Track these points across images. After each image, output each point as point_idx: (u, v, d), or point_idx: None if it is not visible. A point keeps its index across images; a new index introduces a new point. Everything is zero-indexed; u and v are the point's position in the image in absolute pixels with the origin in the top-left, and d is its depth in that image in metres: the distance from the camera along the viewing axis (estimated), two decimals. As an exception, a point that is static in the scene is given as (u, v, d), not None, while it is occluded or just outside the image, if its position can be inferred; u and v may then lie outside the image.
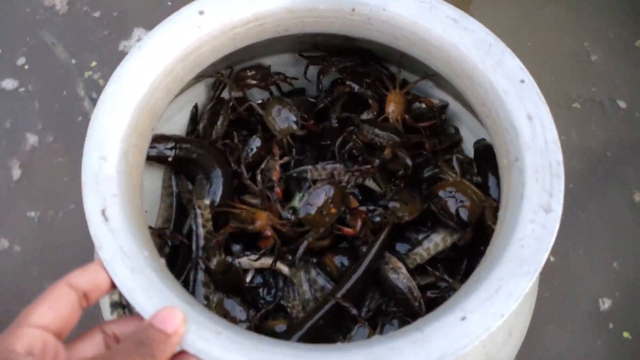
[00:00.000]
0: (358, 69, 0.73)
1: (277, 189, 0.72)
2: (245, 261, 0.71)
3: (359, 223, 0.67)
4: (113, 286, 0.45)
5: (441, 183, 0.68)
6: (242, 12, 0.60)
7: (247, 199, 0.71)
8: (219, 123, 0.75)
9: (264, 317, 0.70)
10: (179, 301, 0.45)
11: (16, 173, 1.08)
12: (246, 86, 0.75)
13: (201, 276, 0.66)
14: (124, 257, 0.46)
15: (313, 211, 0.66)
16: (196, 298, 0.65)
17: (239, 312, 0.67)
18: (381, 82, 0.73)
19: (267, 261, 0.71)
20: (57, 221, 1.05)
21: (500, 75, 0.56)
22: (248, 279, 0.72)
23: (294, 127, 0.72)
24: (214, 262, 0.67)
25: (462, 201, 0.64)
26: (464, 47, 0.58)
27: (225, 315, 0.66)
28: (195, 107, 0.78)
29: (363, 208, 0.69)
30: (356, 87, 0.71)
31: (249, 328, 0.66)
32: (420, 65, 0.64)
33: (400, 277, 0.68)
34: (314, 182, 0.72)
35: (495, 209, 0.61)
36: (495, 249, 0.49)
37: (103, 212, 0.47)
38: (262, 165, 0.73)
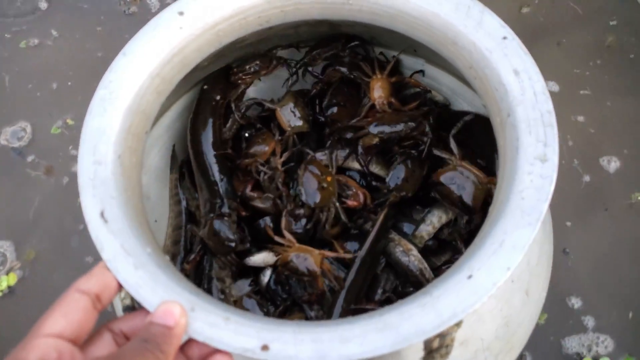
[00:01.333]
0: (340, 55, 0.73)
1: (284, 190, 0.72)
2: (259, 259, 0.71)
3: (360, 195, 0.67)
4: (119, 287, 0.45)
5: (441, 169, 0.66)
6: (222, 9, 0.61)
7: (256, 204, 0.71)
8: (226, 127, 0.75)
9: (282, 313, 0.70)
10: (184, 292, 0.45)
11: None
12: (245, 83, 0.75)
13: (215, 270, 0.66)
14: (126, 255, 0.46)
15: (318, 195, 0.66)
16: (212, 295, 0.65)
17: (258, 311, 0.67)
18: (359, 68, 0.72)
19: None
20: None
21: (483, 34, 0.55)
22: (265, 279, 0.71)
23: (305, 126, 0.72)
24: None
25: (464, 187, 0.64)
26: (444, 14, 0.57)
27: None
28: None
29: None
30: (345, 70, 0.72)
31: None
32: (405, 41, 0.64)
33: (411, 259, 0.67)
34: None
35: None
36: (498, 204, 0.48)
37: (102, 214, 0.48)
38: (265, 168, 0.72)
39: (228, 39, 0.63)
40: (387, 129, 0.68)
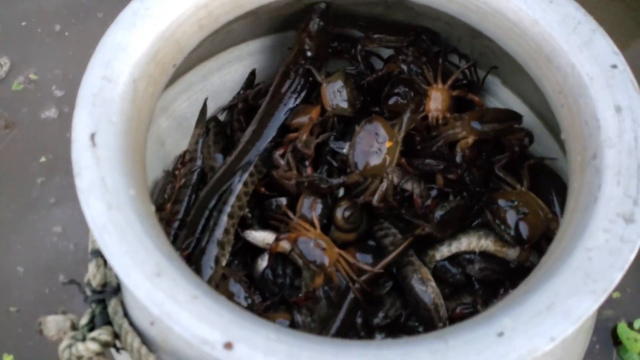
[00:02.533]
0: (404, 51, 0.64)
1: (309, 167, 0.64)
2: (260, 236, 0.63)
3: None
4: None
5: (503, 191, 0.58)
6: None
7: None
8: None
9: (267, 308, 0.62)
10: (155, 251, 0.37)
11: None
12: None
13: (219, 234, 0.59)
14: (104, 190, 0.39)
15: (371, 157, 0.57)
16: (204, 257, 0.57)
17: (244, 299, 0.59)
18: (421, 71, 0.63)
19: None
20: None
21: (587, 57, 0.46)
22: (263, 264, 0.64)
23: (348, 109, 0.64)
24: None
25: (524, 213, 0.54)
26: (547, 24, 0.49)
27: (228, 297, 0.58)
28: (253, 72, 0.72)
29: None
30: (405, 68, 0.62)
31: None
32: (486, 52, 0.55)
33: (428, 290, 0.58)
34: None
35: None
36: (553, 259, 0.39)
37: (92, 137, 0.41)
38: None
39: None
40: (488, 127, 0.59)
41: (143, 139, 0.46)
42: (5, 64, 1.03)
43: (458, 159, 0.59)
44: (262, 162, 0.62)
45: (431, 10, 0.57)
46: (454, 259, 0.62)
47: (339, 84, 0.63)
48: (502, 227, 0.55)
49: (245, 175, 0.61)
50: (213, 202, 0.60)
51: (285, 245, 0.63)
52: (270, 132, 0.63)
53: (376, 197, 0.59)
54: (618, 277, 0.36)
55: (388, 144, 0.59)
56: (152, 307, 0.35)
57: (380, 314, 0.60)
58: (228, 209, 0.59)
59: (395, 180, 0.60)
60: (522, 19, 0.50)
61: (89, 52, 0.45)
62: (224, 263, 0.58)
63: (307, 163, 0.63)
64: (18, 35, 1.08)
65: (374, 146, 0.58)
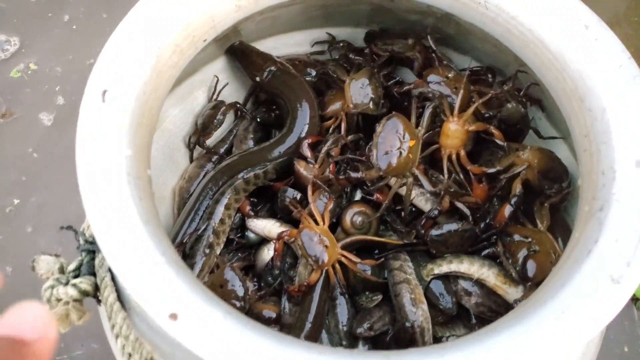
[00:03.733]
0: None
1: (332, 166, 0.63)
2: (261, 224, 0.64)
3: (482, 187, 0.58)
4: None
5: (520, 226, 0.56)
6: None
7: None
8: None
9: (260, 297, 0.62)
10: (135, 213, 0.38)
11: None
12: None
13: (214, 222, 0.60)
14: (102, 144, 0.40)
15: (394, 157, 0.55)
16: (199, 243, 0.59)
17: (238, 287, 0.59)
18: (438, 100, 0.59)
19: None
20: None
21: (620, 104, 0.43)
22: (269, 255, 0.64)
23: (372, 107, 0.63)
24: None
25: (535, 251, 0.52)
26: (586, 63, 0.46)
27: (222, 284, 0.59)
28: None
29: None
30: (415, 93, 0.60)
31: (241, 309, 0.58)
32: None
33: (418, 312, 0.56)
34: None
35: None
36: (526, 305, 0.37)
37: (103, 93, 0.42)
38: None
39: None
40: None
41: (157, 104, 0.47)
42: (15, 44, 1.05)
43: (516, 198, 0.56)
44: (275, 169, 0.63)
45: (478, 30, 0.55)
46: (452, 287, 0.60)
47: (364, 80, 0.62)
48: (510, 260, 0.53)
49: (250, 174, 0.61)
50: (212, 192, 0.61)
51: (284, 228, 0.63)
52: (291, 141, 0.63)
53: (405, 199, 0.58)
54: (584, 339, 0.34)
55: (411, 143, 0.56)
56: (111, 260, 0.36)
57: (366, 325, 0.59)
58: (225, 200, 0.60)
59: (422, 177, 0.58)
60: (563, 54, 0.47)
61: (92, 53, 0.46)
62: (218, 251, 0.59)
63: (331, 160, 0.62)
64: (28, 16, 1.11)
65: (397, 146, 0.56)
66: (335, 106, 0.64)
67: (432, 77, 0.58)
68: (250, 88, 0.71)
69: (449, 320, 0.61)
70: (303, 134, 0.63)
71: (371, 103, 0.62)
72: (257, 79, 0.66)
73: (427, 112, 0.57)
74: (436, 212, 0.58)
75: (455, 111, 0.57)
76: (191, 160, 0.70)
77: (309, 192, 0.60)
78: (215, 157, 0.69)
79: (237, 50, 0.66)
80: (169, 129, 0.68)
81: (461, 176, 0.57)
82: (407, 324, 0.56)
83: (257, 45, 0.70)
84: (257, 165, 0.63)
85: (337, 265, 0.58)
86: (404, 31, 0.64)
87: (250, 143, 0.69)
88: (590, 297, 0.35)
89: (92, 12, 1.12)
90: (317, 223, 0.58)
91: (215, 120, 0.66)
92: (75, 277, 0.47)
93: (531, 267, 0.52)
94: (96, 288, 0.47)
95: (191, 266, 0.56)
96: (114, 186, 0.39)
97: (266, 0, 0.54)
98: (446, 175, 0.57)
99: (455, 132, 0.57)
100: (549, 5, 0.48)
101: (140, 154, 0.43)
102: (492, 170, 0.55)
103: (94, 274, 0.47)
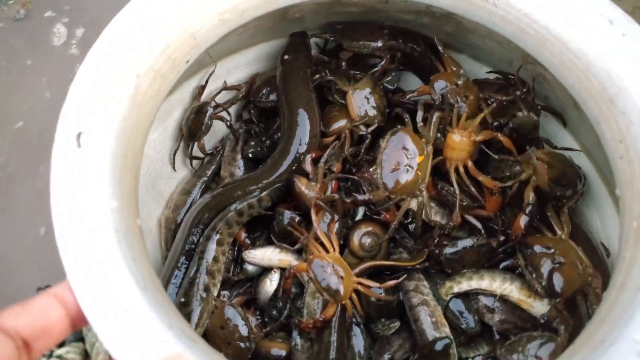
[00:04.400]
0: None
1: (334, 183, 0.59)
2: (260, 254, 0.58)
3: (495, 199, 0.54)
4: (69, 329, 0.30)
5: (540, 236, 0.52)
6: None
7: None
8: None
9: (267, 334, 0.57)
10: (128, 274, 0.33)
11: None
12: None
13: (207, 261, 0.54)
14: (83, 199, 0.34)
15: (402, 175, 0.51)
16: (193, 287, 0.53)
17: (241, 326, 0.53)
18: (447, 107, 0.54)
19: (286, 258, 0.58)
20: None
21: (660, 105, 0.39)
22: (272, 287, 0.59)
23: (378, 117, 0.59)
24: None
25: (560, 263, 0.48)
26: (615, 60, 0.42)
27: (223, 326, 0.53)
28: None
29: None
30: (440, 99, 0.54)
31: (247, 350, 0.53)
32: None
33: (440, 335, 0.52)
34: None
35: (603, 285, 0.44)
36: (588, 344, 0.33)
37: (78, 137, 0.36)
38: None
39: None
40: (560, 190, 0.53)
41: (140, 142, 0.41)
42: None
43: (530, 207, 0.52)
44: (270, 196, 0.58)
45: (483, 29, 0.51)
46: (472, 304, 0.56)
47: (367, 90, 0.58)
48: (534, 274, 0.49)
49: (244, 205, 0.56)
50: (202, 226, 0.56)
51: (287, 258, 0.58)
52: (287, 163, 0.58)
53: (417, 218, 0.54)
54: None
55: (419, 159, 0.52)
56: (111, 348, 0.30)
57: (386, 355, 0.55)
58: (217, 236, 0.54)
59: (427, 201, 0.53)
60: (586, 51, 0.43)
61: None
62: (215, 292, 0.53)
63: (332, 176, 0.57)
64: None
65: (404, 162, 0.51)
66: (339, 124, 0.59)
67: (439, 84, 0.53)
68: (240, 102, 0.66)
69: (471, 339, 0.57)
70: (301, 154, 0.58)
71: (377, 114, 0.57)
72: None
73: (433, 122, 0.52)
74: (449, 227, 0.54)
75: (462, 121, 0.52)
76: (191, 163, 0.64)
77: (313, 215, 0.55)
78: (202, 180, 0.63)
79: None
80: (149, 155, 0.62)
81: (472, 189, 0.53)
82: (431, 353, 0.52)
83: (239, 57, 0.64)
84: (250, 193, 0.57)
85: (354, 295, 0.53)
86: (370, 26, 0.59)
87: (240, 164, 0.63)
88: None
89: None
90: (326, 250, 0.53)
91: (202, 126, 0.60)
92: (60, 345, 0.41)
93: (558, 281, 0.48)
94: (86, 356, 0.41)
95: (188, 315, 0.50)
96: (101, 248, 0.33)
97: (253, 11, 0.48)
98: (456, 189, 0.53)
99: (460, 143, 0.52)
100: (566, 0, 0.44)
101: (128, 204, 0.37)
102: (507, 184, 0.51)
103: (82, 339, 0.42)
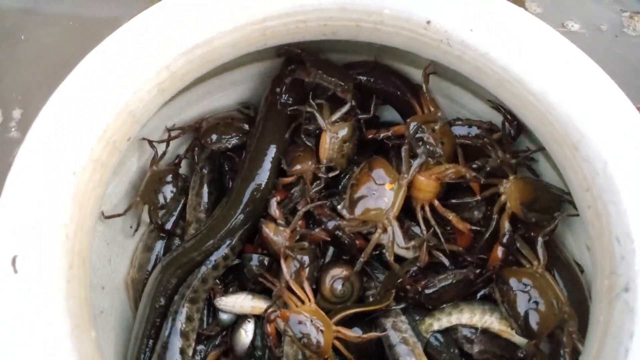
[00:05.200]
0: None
1: (301, 223, 0.57)
2: (231, 302, 0.57)
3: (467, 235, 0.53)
4: None
5: (516, 268, 0.51)
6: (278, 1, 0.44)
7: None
8: None
9: None
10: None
11: None
12: None
13: (181, 323, 0.52)
14: (28, 335, 0.32)
15: (370, 202, 0.51)
16: (167, 352, 0.51)
17: None
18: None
19: (259, 305, 0.56)
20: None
21: (625, 155, 0.38)
22: (249, 336, 0.57)
23: (343, 163, 0.57)
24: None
25: (536, 302, 0.47)
26: (575, 106, 0.40)
27: None
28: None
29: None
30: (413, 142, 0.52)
31: None
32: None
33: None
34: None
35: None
36: None
37: (13, 261, 0.33)
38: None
39: (274, 41, 0.47)
40: (535, 216, 0.52)
41: (87, 241, 0.38)
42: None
43: (506, 238, 0.51)
44: (242, 240, 0.56)
45: (440, 66, 0.49)
46: (451, 336, 0.55)
47: (343, 135, 0.56)
48: (510, 312, 0.49)
49: (219, 258, 0.54)
50: (170, 286, 0.53)
51: (260, 304, 0.56)
52: (246, 208, 0.56)
53: (387, 251, 0.52)
54: None
55: (389, 186, 0.52)
56: None
57: None
58: (191, 294, 0.52)
59: (397, 229, 0.52)
60: (546, 94, 0.41)
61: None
62: (190, 353, 0.52)
63: (300, 215, 0.56)
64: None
65: (373, 189, 0.51)
66: (303, 165, 0.57)
67: (414, 124, 0.52)
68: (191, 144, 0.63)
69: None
70: (260, 188, 0.56)
71: (344, 161, 0.56)
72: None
73: (418, 162, 0.51)
74: (416, 268, 0.53)
75: (429, 168, 0.51)
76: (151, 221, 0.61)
77: (282, 263, 0.54)
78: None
79: None
80: (105, 210, 0.59)
81: (437, 230, 0.52)
82: None
83: (187, 93, 0.61)
84: (220, 242, 0.55)
85: (337, 342, 0.52)
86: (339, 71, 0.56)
87: (206, 207, 0.61)
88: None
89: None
90: (300, 300, 0.52)
91: (158, 191, 0.58)
92: None
93: (534, 322, 0.48)
94: None
95: None
96: None
97: (194, 73, 0.45)
98: (423, 228, 0.52)
99: (427, 185, 0.51)
100: (523, 39, 0.42)
101: (80, 319, 0.35)
102: (475, 227, 0.50)
103: None
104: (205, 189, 0.60)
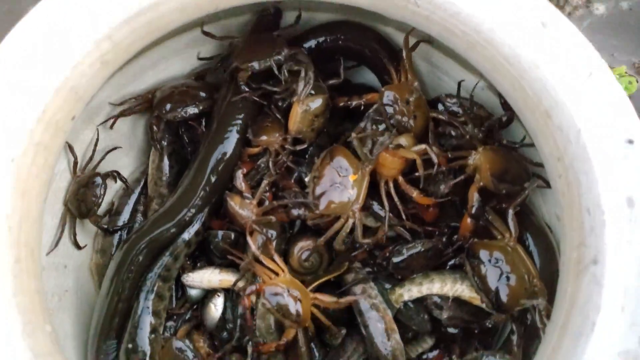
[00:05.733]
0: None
1: (269, 195, 0.55)
2: (198, 277, 0.55)
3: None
4: None
5: (488, 241, 0.50)
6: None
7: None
8: None
9: (220, 358, 0.55)
10: None
11: None
12: None
13: (152, 301, 0.51)
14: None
15: (334, 195, 0.50)
16: (139, 331, 0.51)
17: (192, 358, 0.52)
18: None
19: (227, 278, 0.55)
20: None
21: (598, 124, 0.36)
22: (218, 310, 0.56)
23: (312, 136, 0.55)
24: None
25: (507, 277, 0.47)
26: (550, 71, 0.38)
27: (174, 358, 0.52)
28: None
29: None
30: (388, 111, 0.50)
31: None
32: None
33: (391, 343, 0.52)
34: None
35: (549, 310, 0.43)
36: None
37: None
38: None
39: (228, 3, 0.43)
40: (505, 187, 0.50)
41: (34, 229, 0.36)
42: None
43: (475, 208, 0.50)
44: (210, 214, 0.54)
45: (409, 26, 0.46)
46: (421, 300, 0.55)
47: (316, 108, 0.53)
48: (481, 287, 0.48)
49: (191, 235, 0.53)
50: (140, 258, 0.51)
51: (228, 278, 0.55)
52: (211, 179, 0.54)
53: (338, 239, 0.52)
54: None
55: (352, 177, 0.51)
56: None
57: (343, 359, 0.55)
58: (161, 271, 0.51)
59: (363, 220, 0.52)
60: (519, 58, 0.39)
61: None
62: (161, 330, 0.51)
63: (267, 189, 0.54)
64: None
65: (337, 181, 0.50)
66: (269, 137, 0.54)
67: (388, 95, 0.49)
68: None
69: (415, 335, 0.57)
70: (225, 158, 0.54)
71: (313, 135, 0.54)
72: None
73: (378, 147, 0.49)
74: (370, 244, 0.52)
75: (396, 148, 0.49)
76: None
77: (248, 237, 0.52)
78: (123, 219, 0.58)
79: None
80: (61, 187, 0.56)
81: (400, 207, 0.51)
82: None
83: (140, 60, 0.57)
84: (188, 217, 0.53)
85: (314, 309, 0.52)
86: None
87: (167, 181, 0.58)
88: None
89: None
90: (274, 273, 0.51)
91: (92, 199, 0.53)
92: None
93: (504, 296, 0.47)
94: None
95: None
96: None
97: (138, 43, 0.41)
98: (386, 204, 0.51)
99: (392, 162, 0.50)
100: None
101: (33, 319, 0.33)
102: (440, 199, 0.50)
103: None
104: (165, 162, 0.58)
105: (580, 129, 0.37)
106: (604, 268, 0.34)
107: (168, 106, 0.55)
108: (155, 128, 0.56)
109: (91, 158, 0.54)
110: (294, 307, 0.49)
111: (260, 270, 0.51)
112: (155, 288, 0.51)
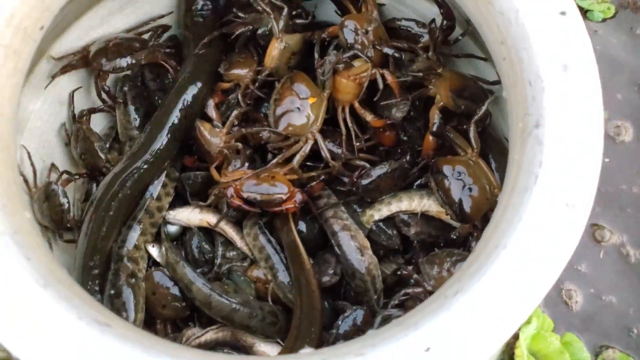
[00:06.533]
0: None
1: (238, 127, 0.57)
2: (179, 215, 0.57)
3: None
4: None
5: (450, 157, 0.52)
6: None
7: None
8: None
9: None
10: (26, 274, 0.31)
11: None
12: None
13: (129, 249, 0.53)
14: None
15: (293, 117, 0.53)
16: (121, 278, 0.53)
17: (172, 287, 0.55)
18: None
19: (207, 217, 0.57)
20: None
21: (533, 1, 0.39)
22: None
23: (286, 71, 0.57)
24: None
25: (470, 188, 0.49)
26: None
27: (154, 291, 0.54)
28: None
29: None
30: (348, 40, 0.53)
31: (184, 309, 0.55)
32: None
33: (365, 259, 0.54)
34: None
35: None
36: (484, 250, 0.35)
37: None
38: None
39: None
40: (464, 103, 0.53)
41: (8, 128, 0.38)
42: None
43: (436, 126, 0.52)
44: (175, 166, 0.57)
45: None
46: (390, 220, 0.58)
47: (293, 47, 0.55)
48: (445, 200, 0.51)
49: (159, 190, 0.55)
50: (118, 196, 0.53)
51: (210, 219, 0.57)
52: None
53: (296, 158, 0.54)
54: (557, 273, 0.32)
55: (311, 100, 0.54)
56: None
57: (330, 271, 0.56)
58: (138, 226, 0.54)
59: (321, 142, 0.54)
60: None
61: None
62: (141, 277, 0.53)
63: (234, 116, 0.56)
64: None
65: (295, 104, 0.53)
66: (241, 71, 0.57)
67: (348, 25, 0.51)
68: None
69: (387, 252, 0.59)
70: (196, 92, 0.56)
71: (286, 70, 0.56)
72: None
73: (327, 65, 0.52)
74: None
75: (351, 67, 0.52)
76: None
77: (212, 169, 0.55)
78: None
79: None
80: (37, 127, 0.57)
81: (353, 129, 0.54)
82: (357, 277, 0.54)
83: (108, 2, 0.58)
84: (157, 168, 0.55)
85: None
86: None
87: (136, 123, 0.60)
88: (547, 229, 0.33)
89: None
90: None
91: (59, 209, 0.53)
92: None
93: (467, 207, 0.49)
94: None
95: (123, 305, 0.51)
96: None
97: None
98: (343, 129, 0.54)
99: (346, 86, 0.52)
100: None
101: (10, 199, 0.35)
102: (394, 119, 0.53)
103: None
104: (130, 107, 0.59)
105: (519, 9, 0.39)
106: (544, 129, 0.36)
107: (103, 60, 0.56)
108: (101, 82, 0.58)
109: (34, 172, 0.54)
110: (274, 189, 0.53)
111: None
112: (132, 239, 0.53)
